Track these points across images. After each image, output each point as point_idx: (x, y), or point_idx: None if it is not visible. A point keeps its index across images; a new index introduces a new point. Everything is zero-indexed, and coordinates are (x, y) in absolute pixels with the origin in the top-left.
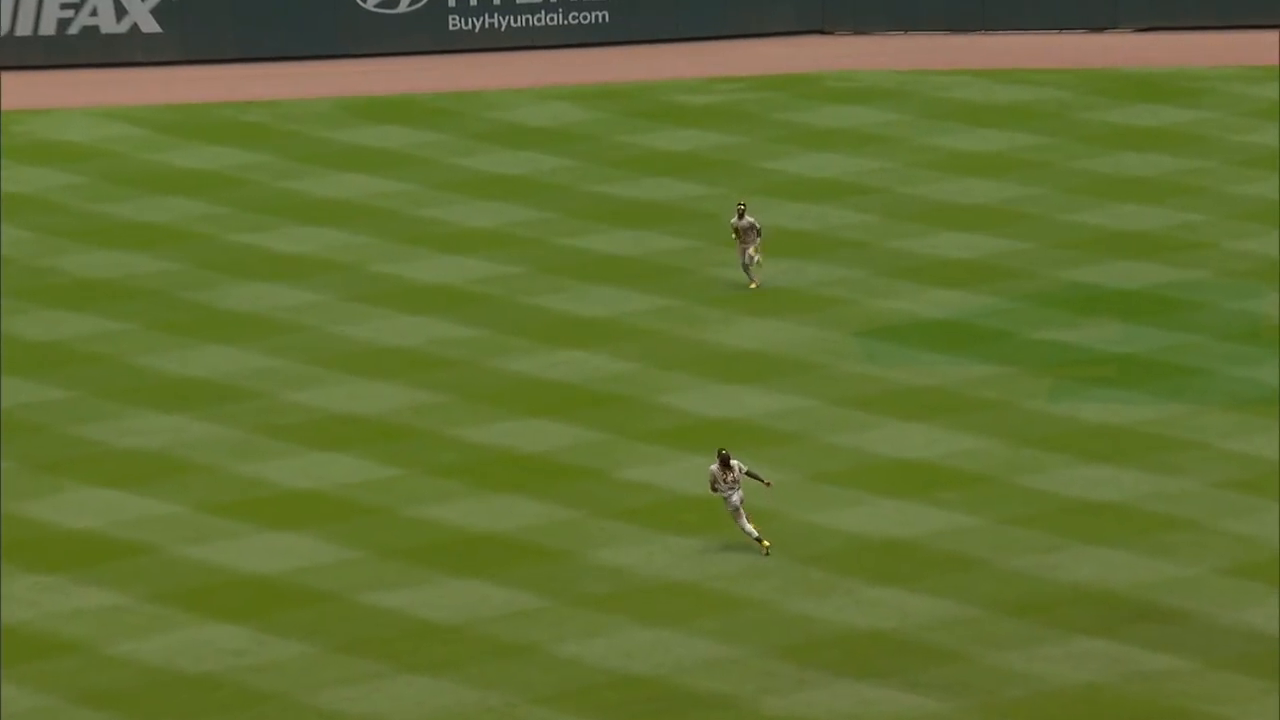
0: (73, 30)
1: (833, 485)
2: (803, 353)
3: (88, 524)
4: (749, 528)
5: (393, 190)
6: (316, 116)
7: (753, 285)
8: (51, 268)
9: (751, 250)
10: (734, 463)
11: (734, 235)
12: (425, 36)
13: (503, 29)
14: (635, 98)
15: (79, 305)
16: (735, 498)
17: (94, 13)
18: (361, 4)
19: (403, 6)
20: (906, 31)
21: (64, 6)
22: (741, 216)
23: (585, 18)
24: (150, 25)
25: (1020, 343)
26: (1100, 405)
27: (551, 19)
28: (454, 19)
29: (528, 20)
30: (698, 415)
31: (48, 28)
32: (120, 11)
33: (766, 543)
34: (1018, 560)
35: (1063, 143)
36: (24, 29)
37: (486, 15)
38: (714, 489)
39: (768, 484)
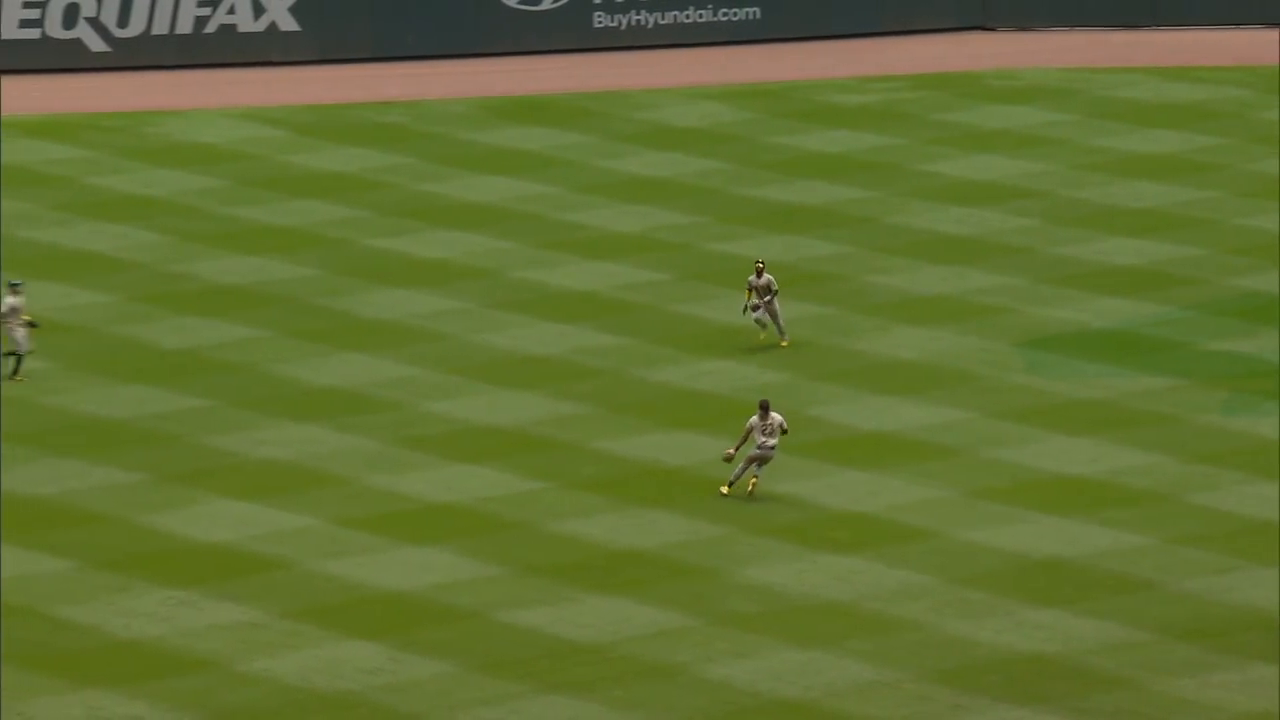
0: (209, 29)
1: (992, 502)
2: (962, 363)
3: (221, 537)
4: (749, 476)
5: (535, 193)
6: (457, 117)
7: (763, 336)
8: (185, 273)
9: (774, 307)
10: (774, 415)
11: (749, 293)
12: (569, 34)
13: (650, 26)
14: (787, 97)
15: (213, 311)
16: (765, 450)
17: (231, 10)
18: (504, 1)
19: (546, 4)
20: (1073, 27)
21: (201, 4)
22: (760, 275)
23: (736, 14)
24: (289, 23)
25: (1192, 354)
26: (1277, 419)
27: (701, 16)
28: (599, 16)
29: (676, 17)
30: (851, 428)
31: (184, 26)
32: (258, 10)
33: (751, 487)
34: (1189, 582)
35: (1239, 144)
36: (160, 28)
37: (633, 12)
38: (744, 440)
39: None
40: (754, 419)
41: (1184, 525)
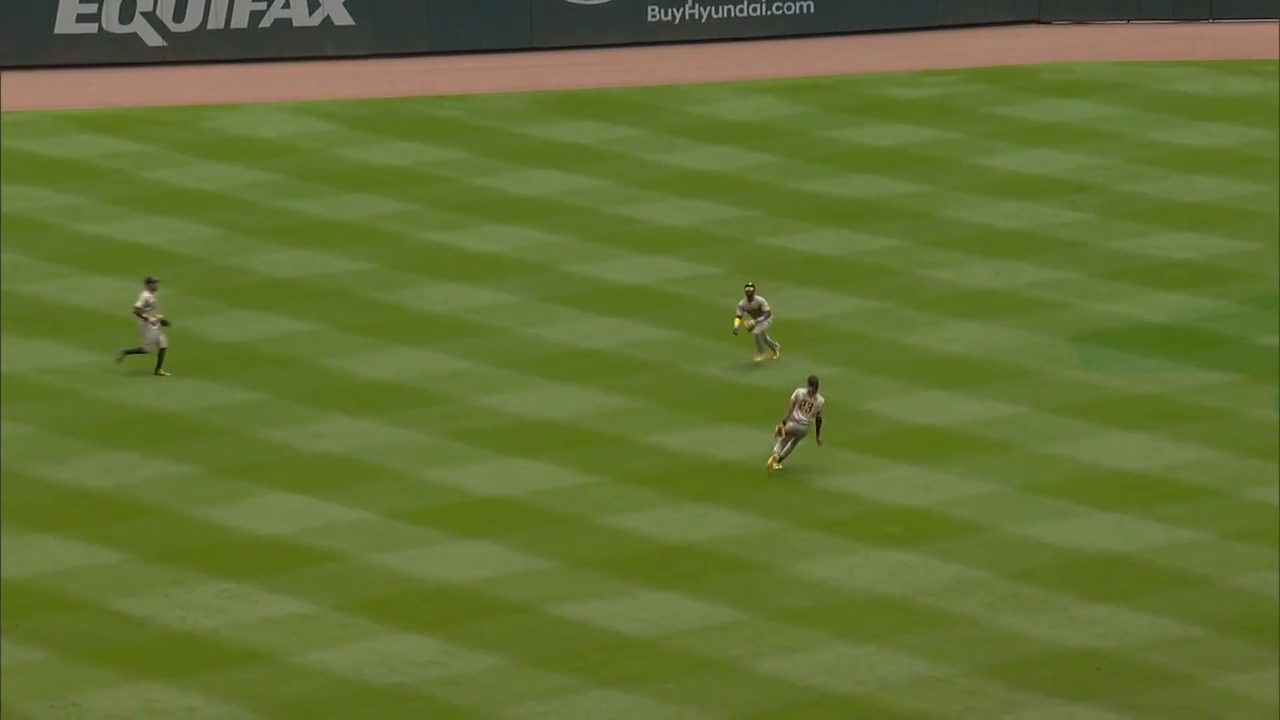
0: (265, 23)
1: (1046, 497)
2: (1015, 358)
3: (275, 530)
4: (784, 450)
5: (588, 187)
6: (510, 111)
7: (775, 356)
8: (239, 267)
9: (761, 330)
10: (819, 396)
11: (737, 319)
12: (623, 28)
13: (704, 20)
14: (841, 91)
15: (266, 305)
16: (801, 426)
17: (286, 5)
18: None
19: None
20: (1129, 21)
21: None
22: (750, 299)
23: (790, 8)
24: (343, 18)
25: (1247, 348)
26: None
27: (755, 10)
28: (653, 10)
29: (730, 11)
30: (904, 422)
31: (240, 21)
32: (313, 4)
33: (777, 466)
34: (1245, 578)
35: None
36: (216, 22)
37: (687, 6)
38: (789, 413)
39: (819, 441)
40: (801, 391)
41: (1239, 520)
